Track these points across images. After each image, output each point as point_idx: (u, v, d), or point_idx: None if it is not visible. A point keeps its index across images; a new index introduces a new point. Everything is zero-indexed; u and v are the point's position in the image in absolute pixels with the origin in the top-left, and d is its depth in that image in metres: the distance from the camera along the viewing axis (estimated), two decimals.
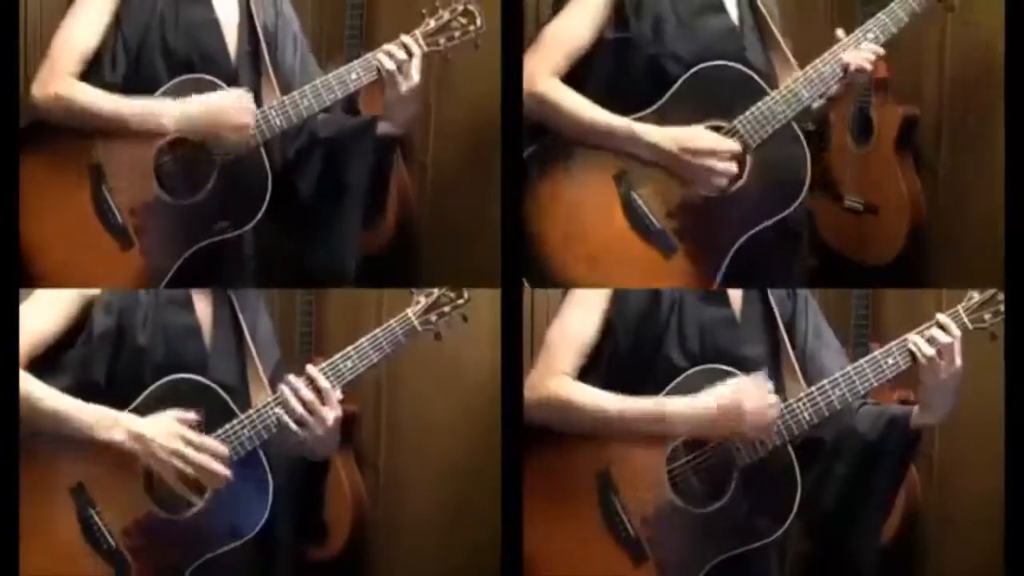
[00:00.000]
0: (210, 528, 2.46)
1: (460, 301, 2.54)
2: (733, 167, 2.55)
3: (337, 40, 3.30)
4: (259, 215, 2.62)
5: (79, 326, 2.51)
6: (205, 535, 2.46)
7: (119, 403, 2.45)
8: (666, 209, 2.59)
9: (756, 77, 2.58)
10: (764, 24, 2.66)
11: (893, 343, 2.47)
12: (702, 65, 2.57)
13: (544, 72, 2.61)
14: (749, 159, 2.57)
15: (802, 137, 2.57)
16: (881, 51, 2.58)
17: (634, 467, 2.48)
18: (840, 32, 2.60)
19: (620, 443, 2.48)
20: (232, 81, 2.64)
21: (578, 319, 2.57)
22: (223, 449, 2.44)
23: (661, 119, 2.58)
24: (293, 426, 2.45)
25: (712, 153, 2.54)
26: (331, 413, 2.46)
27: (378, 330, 2.51)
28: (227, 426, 2.46)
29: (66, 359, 2.49)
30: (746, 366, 2.49)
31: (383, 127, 2.69)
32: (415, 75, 2.63)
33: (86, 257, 2.63)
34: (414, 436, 3.16)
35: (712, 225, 2.58)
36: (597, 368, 2.54)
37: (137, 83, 2.63)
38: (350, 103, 2.75)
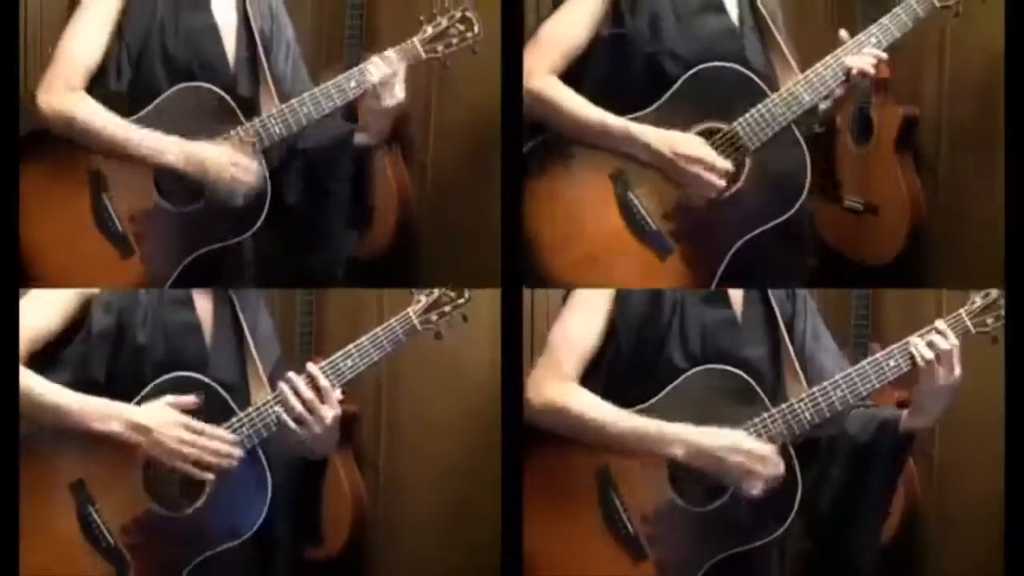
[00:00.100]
0: (209, 526, 2.46)
1: (461, 301, 2.53)
2: (722, 182, 2.54)
3: (337, 40, 3.30)
4: (259, 222, 2.62)
5: (78, 324, 2.51)
6: (204, 533, 2.46)
7: (119, 401, 2.46)
8: (663, 210, 2.59)
9: (756, 78, 2.57)
10: (764, 25, 2.66)
11: (895, 345, 2.47)
12: (701, 66, 2.57)
13: (541, 69, 2.61)
14: (748, 162, 2.56)
15: (802, 140, 2.56)
16: (884, 56, 2.57)
17: (634, 465, 2.48)
18: (844, 34, 2.58)
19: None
20: (231, 88, 2.64)
21: (581, 321, 2.56)
22: (224, 433, 2.45)
23: (659, 119, 2.57)
24: (292, 424, 2.45)
25: (701, 163, 2.54)
26: (330, 412, 2.46)
27: (379, 329, 2.51)
28: (226, 424, 2.46)
29: (65, 357, 2.49)
30: (747, 367, 2.49)
31: (360, 138, 2.70)
32: (399, 92, 2.63)
33: (86, 264, 2.62)
34: (414, 436, 3.16)
35: (709, 228, 2.58)
36: (599, 370, 2.54)
37: (140, 91, 2.63)
38: (349, 111, 2.75)
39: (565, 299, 2.60)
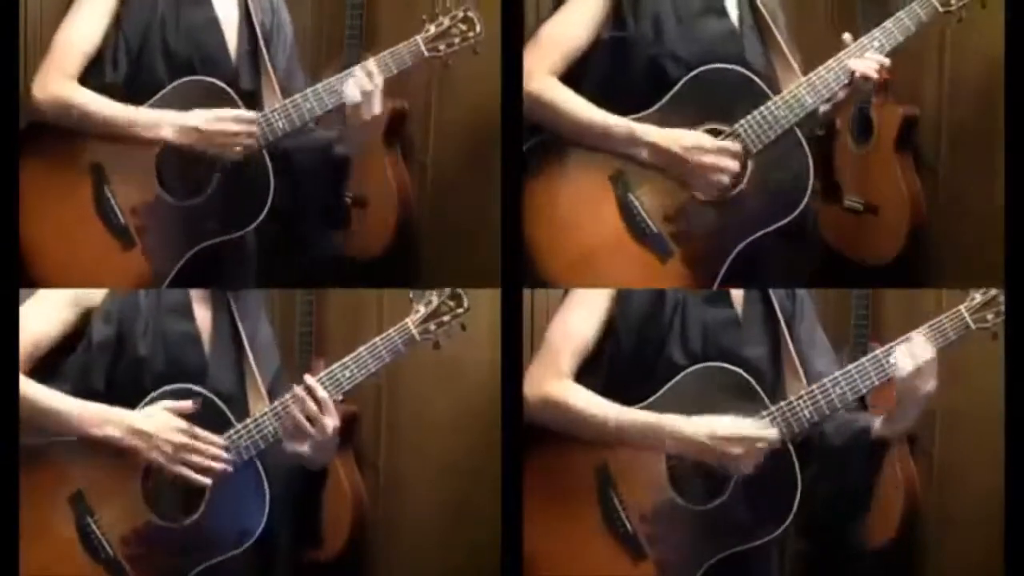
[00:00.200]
0: (207, 536, 2.46)
1: (460, 310, 2.52)
2: (735, 164, 2.54)
3: (337, 40, 3.30)
4: (261, 216, 2.62)
5: (78, 333, 2.51)
6: (202, 543, 2.46)
7: None
8: (663, 212, 2.58)
9: (757, 80, 2.57)
10: (765, 26, 2.65)
11: (895, 343, 2.47)
12: (702, 68, 2.57)
13: (541, 71, 2.60)
14: (750, 164, 2.56)
15: (805, 143, 2.56)
16: (886, 61, 2.56)
17: (634, 464, 2.48)
18: (847, 37, 2.58)
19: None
20: (233, 81, 2.65)
21: (579, 319, 2.56)
22: (218, 439, 2.45)
23: (660, 121, 2.57)
24: (290, 437, 2.45)
25: (713, 151, 2.53)
26: (330, 423, 2.46)
27: (377, 339, 2.50)
28: (225, 435, 2.46)
29: (65, 366, 2.49)
30: (747, 365, 2.49)
31: (339, 148, 2.70)
32: (377, 107, 2.63)
33: (88, 257, 2.63)
34: (414, 436, 3.16)
35: (711, 230, 2.57)
36: (598, 368, 2.54)
37: (138, 84, 2.64)
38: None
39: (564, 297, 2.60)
